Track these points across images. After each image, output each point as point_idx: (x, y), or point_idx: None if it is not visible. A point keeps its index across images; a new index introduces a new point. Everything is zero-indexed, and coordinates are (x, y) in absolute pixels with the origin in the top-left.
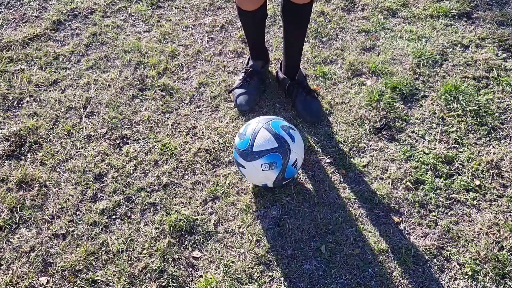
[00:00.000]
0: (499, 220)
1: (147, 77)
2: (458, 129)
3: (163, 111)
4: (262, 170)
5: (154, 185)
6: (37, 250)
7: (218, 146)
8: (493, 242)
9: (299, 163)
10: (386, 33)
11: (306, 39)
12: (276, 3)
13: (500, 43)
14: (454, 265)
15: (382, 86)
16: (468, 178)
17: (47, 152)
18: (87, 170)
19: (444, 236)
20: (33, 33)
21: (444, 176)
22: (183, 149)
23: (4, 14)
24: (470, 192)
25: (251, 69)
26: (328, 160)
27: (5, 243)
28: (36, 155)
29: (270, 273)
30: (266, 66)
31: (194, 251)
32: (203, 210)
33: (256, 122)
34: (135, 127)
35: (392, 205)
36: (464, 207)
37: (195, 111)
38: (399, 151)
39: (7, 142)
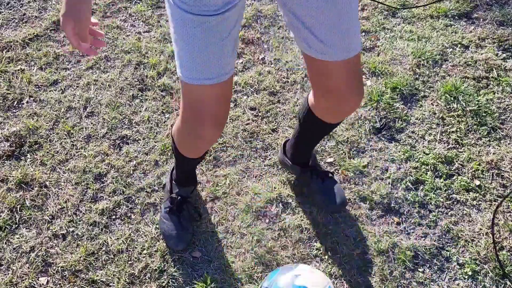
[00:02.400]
0: (499, 220)
1: (147, 77)
2: (458, 129)
3: (163, 111)
4: None
5: (154, 185)
6: (37, 250)
7: (218, 146)
8: (493, 242)
9: None
10: (386, 33)
11: None
12: (276, 3)
13: (500, 43)
14: (454, 265)
15: (382, 86)
16: (468, 178)
17: (47, 152)
18: (87, 170)
19: (444, 236)
20: (33, 33)
21: (444, 176)
22: None
23: (4, 14)
24: (470, 192)
25: (179, 197)
26: (328, 160)
27: (5, 243)
28: (36, 155)
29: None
30: (195, 188)
31: (194, 251)
32: (203, 210)
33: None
34: (135, 127)
35: (392, 205)
36: (464, 207)
37: None
38: (399, 151)
39: (7, 142)
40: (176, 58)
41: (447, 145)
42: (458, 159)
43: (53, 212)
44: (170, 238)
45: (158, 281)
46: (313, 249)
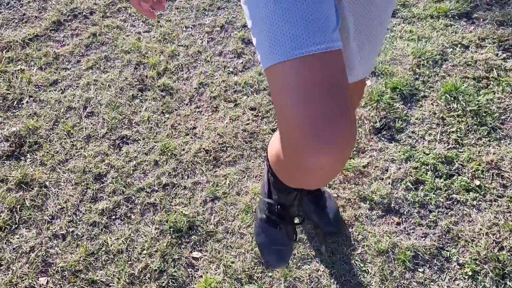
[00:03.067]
0: (499, 220)
1: (147, 77)
2: (458, 129)
3: (163, 111)
4: None
5: (154, 185)
6: (37, 250)
7: (218, 146)
8: (493, 243)
9: None
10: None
11: None
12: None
13: (500, 43)
14: (454, 266)
15: (382, 86)
16: (468, 178)
17: (47, 152)
18: (87, 171)
19: (444, 237)
20: (33, 33)
21: (444, 176)
22: (183, 150)
23: (4, 14)
24: (470, 192)
25: (278, 206)
26: None
27: (5, 244)
28: (36, 155)
29: (270, 274)
30: (299, 193)
31: (194, 251)
32: (203, 210)
33: None
34: (135, 127)
35: (392, 205)
36: (464, 208)
37: (195, 111)
38: (399, 151)
39: (7, 142)
40: (268, 42)
41: (447, 145)
42: (458, 159)
43: (53, 212)
44: (268, 253)
45: (158, 281)
46: (313, 249)
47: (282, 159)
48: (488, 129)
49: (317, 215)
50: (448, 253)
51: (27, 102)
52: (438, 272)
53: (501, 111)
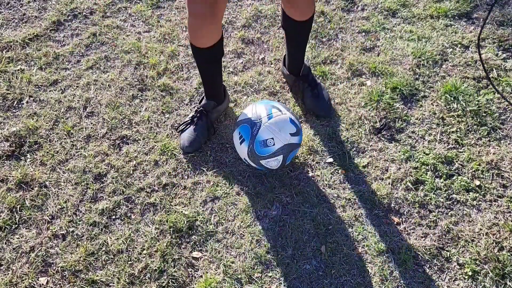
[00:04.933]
0: (499, 220)
1: (147, 77)
2: (458, 130)
3: (163, 111)
4: (238, 141)
5: (154, 185)
6: (37, 250)
7: (218, 146)
8: (493, 243)
9: (277, 145)
10: (386, 33)
11: None
12: (276, 3)
13: (500, 43)
14: (454, 266)
15: (382, 86)
16: (468, 178)
17: (47, 152)
18: (87, 170)
19: (444, 237)
20: (33, 33)
21: (444, 176)
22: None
23: (4, 14)
24: (470, 193)
25: (201, 108)
26: (328, 160)
27: (5, 243)
28: (36, 155)
29: (270, 273)
30: (219, 107)
31: (194, 251)
32: (203, 210)
33: (259, 101)
34: (135, 127)
35: (392, 205)
36: (464, 208)
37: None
38: (399, 152)
39: (7, 142)
40: None
41: (447, 145)
42: (458, 159)
43: (53, 212)
44: (182, 140)
45: (158, 281)
46: (313, 249)
47: (188, 20)
48: (488, 129)
49: (313, 100)
50: (448, 253)
51: (27, 102)
52: (438, 272)
53: (501, 111)
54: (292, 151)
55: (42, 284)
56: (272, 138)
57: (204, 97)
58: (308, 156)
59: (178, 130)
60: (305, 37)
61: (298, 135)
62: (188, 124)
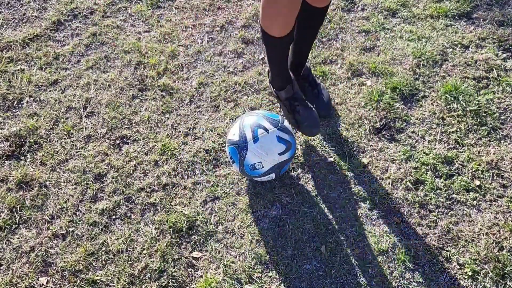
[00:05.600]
0: (499, 220)
1: (147, 77)
2: (458, 130)
3: (163, 111)
4: (229, 159)
5: (154, 185)
6: (37, 250)
7: (218, 146)
8: (493, 243)
9: (266, 167)
10: (386, 33)
11: None
12: None
13: (500, 43)
14: (454, 266)
15: (382, 86)
16: (468, 178)
17: (47, 152)
18: (87, 170)
19: (444, 237)
20: (33, 33)
21: (444, 176)
22: (183, 149)
23: (4, 14)
24: (470, 193)
25: (287, 100)
26: (328, 160)
27: (5, 243)
28: (36, 155)
29: (270, 273)
30: (295, 86)
31: (194, 251)
32: (203, 210)
33: (247, 114)
34: (135, 127)
35: (392, 205)
36: (464, 208)
37: (195, 111)
38: (399, 152)
39: (7, 142)
40: None
41: (447, 145)
42: (458, 159)
43: (53, 212)
44: (308, 127)
45: (158, 281)
46: (313, 249)
47: (261, 13)
48: (488, 129)
49: (313, 99)
50: (448, 253)
51: (27, 102)
52: (438, 272)
53: (501, 111)
54: (284, 166)
55: (42, 284)
56: (260, 162)
57: (277, 90)
58: (308, 156)
59: (290, 123)
60: (317, 28)
61: (288, 151)
62: (296, 115)
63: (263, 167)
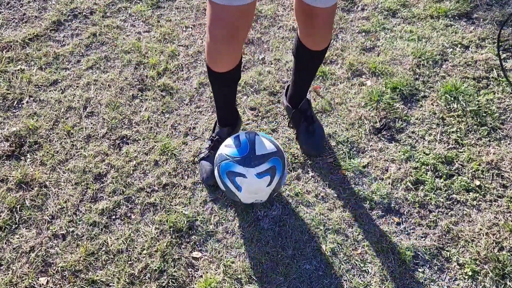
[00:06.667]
0: (499, 220)
1: (147, 77)
2: (458, 130)
3: (163, 111)
4: (262, 177)
5: (154, 185)
6: (37, 250)
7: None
8: (493, 243)
9: (263, 199)
10: (386, 33)
11: None
12: (276, 3)
13: (500, 43)
14: (454, 266)
15: (382, 86)
16: (468, 178)
17: (47, 152)
18: (87, 170)
19: (444, 237)
20: (33, 33)
21: (444, 176)
22: (183, 149)
23: (4, 14)
24: (470, 193)
25: (216, 137)
26: (328, 160)
27: (5, 243)
28: (36, 155)
29: (270, 273)
30: (234, 131)
31: (194, 251)
32: (203, 210)
33: (245, 132)
34: (135, 127)
35: (392, 205)
36: (464, 208)
37: (195, 111)
38: (399, 152)
39: (7, 142)
40: None
41: (447, 145)
42: (458, 159)
43: (53, 212)
44: (203, 172)
45: (158, 281)
46: (313, 249)
47: (208, 42)
48: (488, 129)
49: (306, 136)
50: (448, 253)
51: (27, 102)
52: (438, 272)
53: (501, 111)
54: (281, 184)
55: (42, 284)
56: (256, 199)
57: (218, 125)
58: (308, 156)
59: (198, 160)
60: (315, 68)
61: (275, 175)
62: (207, 153)
63: (261, 200)
